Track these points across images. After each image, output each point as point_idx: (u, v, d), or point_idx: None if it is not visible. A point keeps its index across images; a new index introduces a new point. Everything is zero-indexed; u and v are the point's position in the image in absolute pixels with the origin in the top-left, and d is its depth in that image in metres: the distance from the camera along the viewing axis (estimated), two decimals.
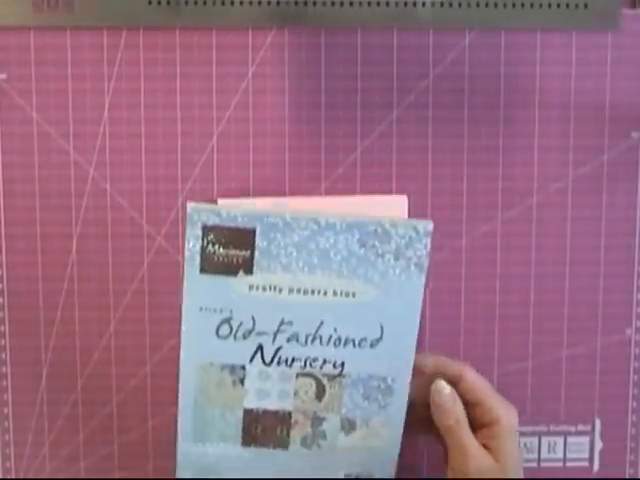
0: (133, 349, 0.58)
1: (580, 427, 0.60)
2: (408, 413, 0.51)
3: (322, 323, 0.49)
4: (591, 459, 0.60)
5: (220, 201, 0.57)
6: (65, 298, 0.58)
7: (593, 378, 0.60)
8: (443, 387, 0.49)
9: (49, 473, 0.59)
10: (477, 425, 0.50)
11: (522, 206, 0.59)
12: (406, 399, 0.51)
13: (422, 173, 0.58)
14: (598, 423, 0.60)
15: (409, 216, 0.57)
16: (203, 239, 0.48)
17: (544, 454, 0.60)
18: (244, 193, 0.57)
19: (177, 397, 0.59)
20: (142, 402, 0.59)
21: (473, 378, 0.50)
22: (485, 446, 0.49)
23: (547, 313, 0.59)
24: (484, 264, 0.59)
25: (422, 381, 0.51)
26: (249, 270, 0.48)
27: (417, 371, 0.51)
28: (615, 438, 0.60)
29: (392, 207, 0.57)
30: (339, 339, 0.49)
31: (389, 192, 0.58)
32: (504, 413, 0.49)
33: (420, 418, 0.52)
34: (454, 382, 0.50)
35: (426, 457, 0.60)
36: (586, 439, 0.60)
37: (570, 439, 0.60)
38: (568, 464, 0.61)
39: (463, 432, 0.48)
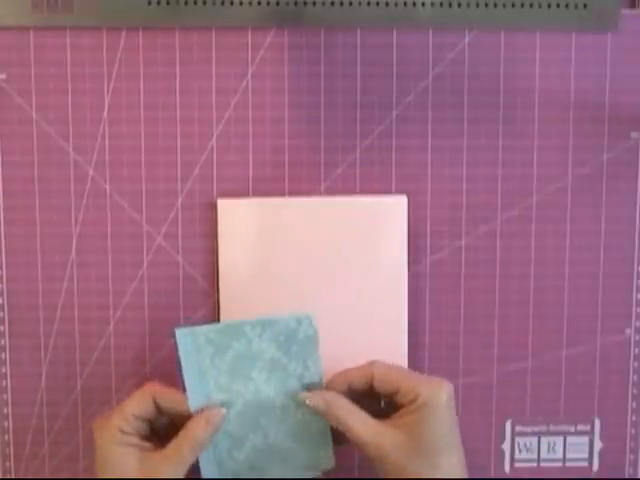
0: (133, 349, 0.58)
1: (579, 427, 0.60)
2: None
3: None
4: (590, 459, 0.60)
5: (220, 201, 0.57)
6: (65, 298, 0.58)
7: (592, 378, 0.60)
8: (306, 398, 0.50)
9: (49, 473, 0.59)
10: (403, 409, 0.49)
11: (522, 206, 0.59)
12: None
13: (422, 173, 0.58)
14: (597, 423, 0.60)
15: (409, 216, 0.57)
16: None
17: (543, 454, 0.60)
18: (243, 193, 0.57)
19: None
20: None
21: (382, 369, 0.50)
22: (406, 424, 0.48)
23: (547, 313, 0.59)
24: (484, 264, 0.59)
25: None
26: None
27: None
28: (614, 438, 0.60)
29: (392, 207, 0.57)
30: None
31: (389, 192, 0.58)
32: (425, 389, 0.48)
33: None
34: (368, 384, 0.50)
35: None
36: (585, 439, 0.60)
37: (569, 439, 0.60)
38: (567, 464, 0.61)
39: (350, 426, 0.48)
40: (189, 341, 0.51)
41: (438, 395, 0.48)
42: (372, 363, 0.51)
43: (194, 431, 0.49)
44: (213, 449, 0.51)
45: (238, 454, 0.52)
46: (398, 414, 0.48)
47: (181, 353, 0.51)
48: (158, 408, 0.50)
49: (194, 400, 0.50)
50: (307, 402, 0.50)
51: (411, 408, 0.48)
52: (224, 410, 0.50)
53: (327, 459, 0.53)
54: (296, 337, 0.51)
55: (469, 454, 0.60)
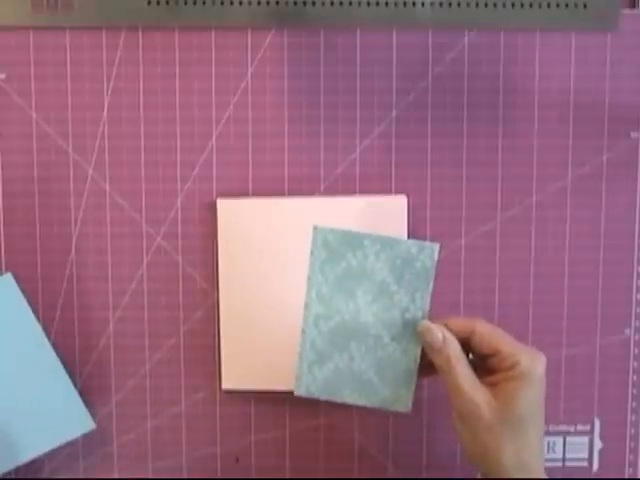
0: (133, 349, 0.58)
1: (579, 427, 0.60)
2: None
3: None
4: (590, 459, 0.60)
5: (219, 201, 0.57)
6: (64, 298, 0.58)
7: (592, 378, 0.60)
8: (430, 327, 0.49)
9: (49, 473, 0.59)
10: (499, 373, 0.49)
11: (522, 206, 0.59)
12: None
13: (421, 173, 0.58)
14: (597, 423, 0.60)
15: (409, 216, 0.57)
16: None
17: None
18: (243, 193, 0.57)
19: (176, 397, 0.59)
20: (142, 402, 0.59)
21: (485, 329, 0.49)
22: (501, 390, 0.47)
23: (547, 313, 0.59)
24: (484, 264, 0.59)
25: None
26: None
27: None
28: (614, 438, 0.60)
29: (391, 207, 0.57)
30: None
31: (388, 192, 0.58)
32: (525, 358, 0.47)
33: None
34: (468, 337, 0.49)
35: (425, 457, 0.60)
36: (585, 439, 0.60)
37: (569, 439, 0.60)
38: (567, 464, 0.61)
39: (456, 371, 0.48)
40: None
41: (536, 367, 0.47)
42: (475, 319, 0.50)
43: None
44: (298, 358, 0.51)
45: (318, 371, 0.51)
46: (494, 378, 0.48)
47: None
48: None
49: None
50: (426, 332, 0.49)
51: (509, 375, 0.47)
52: None
53: (405, 401, 0.51)
54: (413, 265, 0.50)
55: None
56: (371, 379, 0.51)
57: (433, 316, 0.50)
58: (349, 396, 0.51)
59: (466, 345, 0.49)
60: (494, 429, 0.47)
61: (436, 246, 0.50)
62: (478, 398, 0.47)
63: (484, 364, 0.49)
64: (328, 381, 0.51)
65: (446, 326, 0.49)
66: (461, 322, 0.49)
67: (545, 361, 0.48)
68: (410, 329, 0.50)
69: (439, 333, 0.49)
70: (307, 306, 0.51)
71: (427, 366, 0.50)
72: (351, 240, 0.50)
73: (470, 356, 0.49)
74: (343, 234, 0.50)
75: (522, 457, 0.47)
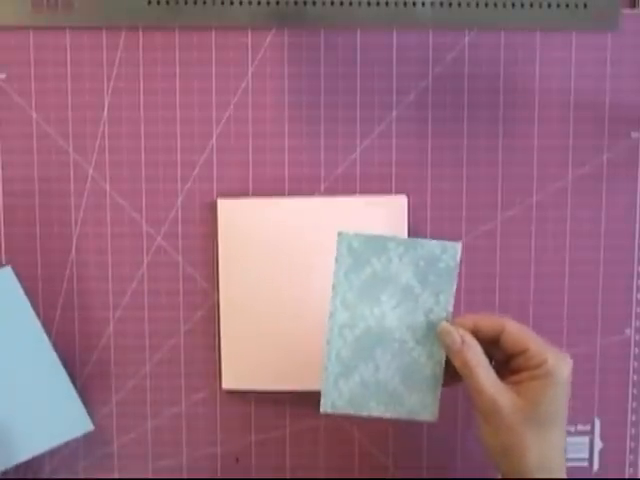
0: (133, 349, 0.58)
1: (580, 427, 0.60)
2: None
3: None
4: (591, 459, 0.60)
5: (220, 201, 0.57)
6: (64, 298, 0.58)
7: (593, 378, 0.60)
8: (449, 330, 0.49)
9: (49, 473, 0.59)
10: (525, 371, 0.48)
11: (522, 206, 0.59)
12: None
13: (422, 173, 0.58)
14: (598, 423, 0.60)
15: (409, 216, 0.57)
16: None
17: None
18: (244, 193, 0.57)
19: (176, 397, 0.59)
20: (142, 402, 0.59)
21: (514, 328, 0.49)
22: (526, 388, 0.47)
23: (547, 313, 0.59)
24: (484, 264, 0.59)
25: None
26: None
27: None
28: (615, 438, 0.60)
29: (391, 207, 0.57)
30: None
31: (389, 192, 0.58)
32: (552, 358, 0.47)
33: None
34: (496, 336, 0.49)
35: (426, 457, 0.60)
36: (586, 439, 0.60)
37: (570, 439, 0.60)
38: (568, 464, 0.59)
39: (476, 372, 0.47)
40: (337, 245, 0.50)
41: (562, 367, 0.47)
42: (505, 318, 0.49)
43: None
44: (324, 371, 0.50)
45: (344, 384, 0.50)
46: (519, 376, 0.48)
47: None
48: None
49: None
50: (445, 335, 0.49)
51: (535, 373, 0.47)
52: None
53: (431, 409, 0.51)
54: (436, 266, 0.50)
55: (470, 454, 0.60)
56: (397, 388, 0.51)
57: (460, 316, 0.50)
58: (375, 409, 0.51)
59: (495, 343, 0.49)
60: (517, 428, 0.46)
61: (458, 245, 0.50)
62: (499, 397, 0.47)
63: (509, 364, 0.49)
64: (354, 395, 0.51)
65: (476, 325, 0.49)
66: (491, 321, 0.49)
67: (571, 364, 0.48)
68: (434, 331, 0.50)
69: (457, 336, 0.48)
70: (332, 315, 0.50)
71: (453, 374, 0.50)
72: (375, 244, 0.50)
73: (492, 363, 0.49)
74: (367, 238, 0.50)
75: (544, 456, 0.47)
